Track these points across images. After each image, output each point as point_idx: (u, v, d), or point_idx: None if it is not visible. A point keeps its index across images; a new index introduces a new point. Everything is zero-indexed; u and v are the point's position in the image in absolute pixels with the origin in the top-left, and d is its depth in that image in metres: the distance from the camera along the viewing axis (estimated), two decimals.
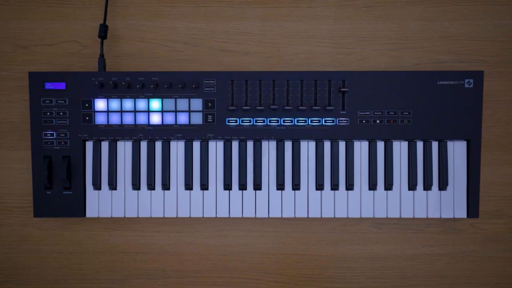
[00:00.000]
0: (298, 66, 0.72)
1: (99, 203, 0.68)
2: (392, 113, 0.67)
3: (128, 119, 0.67)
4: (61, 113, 0.67)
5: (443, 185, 0.68)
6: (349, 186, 0.68)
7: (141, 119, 0.68)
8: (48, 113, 0.67)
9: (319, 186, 0.68)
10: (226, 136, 0.68)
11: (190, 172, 0.68)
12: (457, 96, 0.67)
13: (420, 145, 0.69)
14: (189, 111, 0.67)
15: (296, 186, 0.68)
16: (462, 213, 0.68)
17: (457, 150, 0.68)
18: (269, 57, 0.72)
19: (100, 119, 0.67)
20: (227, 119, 0.67)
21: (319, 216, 0.68)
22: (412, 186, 0.68)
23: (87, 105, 0.67)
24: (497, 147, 0.72)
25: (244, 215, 0.68)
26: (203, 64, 0.72)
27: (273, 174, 0.68)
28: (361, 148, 0.68)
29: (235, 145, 0.69)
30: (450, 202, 0.68)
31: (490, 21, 0.71)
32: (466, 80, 0.67)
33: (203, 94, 0.67)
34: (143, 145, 0.69)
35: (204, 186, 0.68)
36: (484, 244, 0.72)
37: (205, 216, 0.68)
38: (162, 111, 0.67)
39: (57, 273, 0.72)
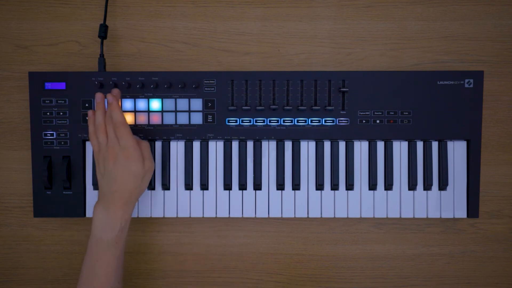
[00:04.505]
0: (298, 66, 0.72)
1: None
2: (392, 113, 0.67)
3: (128, 119, 0.67)
4: (61, 113, 0.67)
5: (443, 185, 0.68)
6: (349, 186, 0.68)
7: (141, 119, 0.68)
8: (48, 113, 0.67)
9: (319, 186, 0.68)
10: (226, 136, 0.68)
11: (190, 172, 0.68)
12: (457, 96, 0.67)
13: (420, 145, 0.69)
14: (189, 111, 0.67)
15: (296, 186, 0.68)
16: (462, 213, 0.68)
17: (457, 150, 0.68)
18: (269, 57, 0.72)
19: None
20: (227, 119, 0.67)
21: (319, 216, 0.68)
22: (412, 186, 0.68)
23: (87, 105, 0.67)
24: (497, 147, 0.72)
25: (244, 215, 0.68)
26: (203, 64, 0.72)
27: (273, 174, 0.68)
28: (361, 148, 0.68)
29: (235, 145, 0.69)
30: (450, 202, 0.68)
31: (490, 21, 0.71)
32: (466, 80, 0.67)
33: (203, 94, 0.67)
34: None
35: (204, 186, 0.68)
36: (484, 244, 0.72)
37: (205, 216, 0.68)
38: (162, 111, 0.67)
39: (57, 273, 0.72)
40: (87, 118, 0.65)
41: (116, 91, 0.64)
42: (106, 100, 0.64)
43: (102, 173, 0.62)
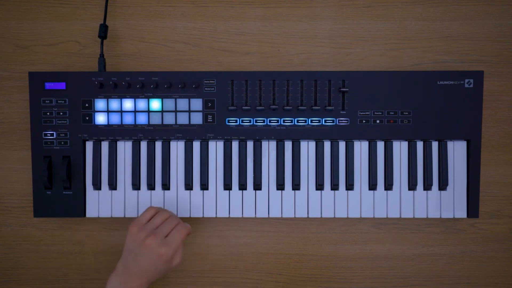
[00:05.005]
0: (298, 66, 0.72)
1: (99, 203, 0.68)
2: (392, 113, 0.67)
3: (128, 119, 0.67)
4: (61, 113, 0.67)
5: (443, 185, 0.68)
6: (349, 186, 0.68)
7: (141, 119, 0.68)
8: (48, 113, 0.67)
9: (319, 186, 0.68)
10: (226, 136, 0.68)
11: (190, 172, 0.68)
12: (457, 96, 0.67)
13: (420, 145, 0.69)
14: (189, 111, 0.67)
15: (296, 186, 0.68)
16: (462, 213, 0.68)
17: (457, 150, 0.68)
18: (269, 57, 0.72)
19: (100, 119, 0.67)
20: (227, 119, 0.67)
21: (319, 216, 0.68)
22: (412, 186, 0.68)
23: (87, 105, 0.67)
24: (497, 147, 0.72)
25: (244, 215, 0.68)
26: (203, 64, 0.72)
27: (273, 174, 0.68)
28: (361, 148, 0.68)
29: (235, 145, 0.69)
30: (450, 202, 0.68)
31: (490, 21, 0.71)
32: (466, 80, 0.67)
33: (203, 94, 0.67)
34: (143, 145, 0.69)
35: (204, 186, 0.68)
36: (484, 244, 0.72)
37: (205, 216, 0.68)
38: (162, 111, 0.67)
39: (57, 273, 0.72)
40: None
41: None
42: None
43: (130, 249, 0.60)
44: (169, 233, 0.61)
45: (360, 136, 0.68)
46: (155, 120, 0.68)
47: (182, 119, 0.68)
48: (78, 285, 0.72)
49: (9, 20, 0.71)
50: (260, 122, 0.67)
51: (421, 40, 0.71)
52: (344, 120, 0.67)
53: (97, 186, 0.68)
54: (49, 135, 0.67)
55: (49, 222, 0.72)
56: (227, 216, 0.68)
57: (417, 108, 0.67)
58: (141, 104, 0.67)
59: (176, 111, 0.67)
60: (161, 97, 0.67)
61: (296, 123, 0.67)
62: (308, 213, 0.68)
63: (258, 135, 0.68)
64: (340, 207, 0.68)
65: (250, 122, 0.67)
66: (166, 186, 0.68)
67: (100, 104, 0.67)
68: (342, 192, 0.68)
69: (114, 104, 0.67)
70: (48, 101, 0.67)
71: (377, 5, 0.71)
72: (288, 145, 0.69)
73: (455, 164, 0.68)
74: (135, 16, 0.72)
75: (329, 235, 0.72)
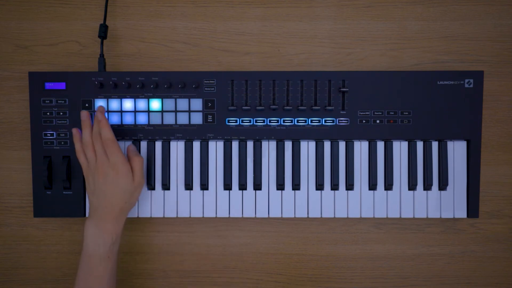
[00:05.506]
0: (298, 66, 0.72)
1: None
2: (392, 113, 0.67)
3: (128, 119, 0.67)
4: (61, 113, 0.67)
5: (443, 185, 0.68)
6: (349, 186, 0.68)
7: (141, 119, 0.68)
8: (48, 113, 0.67)
9: (319, 186, 0.68)
10: (226, 136, 0.68)
11: (190, 172, 0.68)
12: (457, 96, 0.67)
13: (420, 145, 0.69)
14: (189, 111, 0.67)
15: (296, 186, 0.68)
16: (462, 213, 0.68)
17: (457, 150, 0.68)
18: (269, 57, 0.72)
19: None
20: (227, 119, 0.67)
21: (319, 216, 0.68)
22: (412, 186, 0.68)
23: (87, 105, 0.67)
24: (497, 147, 0.72)
25: (244, 215, 0.68)
26: (203, 64, 0.72)
27: (273, 174, 0.68)
28: (361, 148, 0.68)
29: (235, 145, 0.69)
30: (450, 202, 0.68)
31: (490, 21, 0.71)
32: (466, 80, 0.67)
33: (203, 94, 0.67)
34: (143, 145, 0.69)
35: (204, 186, 0.68)
36: (484, 244, 0.72)
37: (205, 216, 0.68)
38: (162, 111, 0.67)
39: (57, 273, 0.72)
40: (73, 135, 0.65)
41: (101, 108, 0.65)
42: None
43: (92, 190, 0.62)
44: (108, 154, 0.62)
45: (360, 136, 0.68)
46: (155, 120, 0.68)
47: (182, 119, 0.68)
48: None
49: (9, 20, 0.71)
50: (260, 122, 0.67)
51: (421, 40, 0.71)
52: (344, 120, 0.67)
53: None
54: (49, 135, 0.67)
55: (49, 222, 0.72)
56: (227, 216, 0.68)
57: (417, 108, 0.67)
58: (141, 104, 0.67)
59: (176, 111, 0.67)
60: (161, 97, 0.67)
61: (296, 123, 0.67)
62: (308, 213, 0.68)
63: (258, 135, 0.68)
64: (340, 207, 0.68)
65: (250, 122, 0.67)
66: (166, 186, 0.68)
67: (100, 104, 0.67)
68: (342, 192, 0.68)
69: (114, 104, 0.67)
70: (48, 101, 0.67)
71: (377, 5, 0.71)
72: (288, 145, 0.69)
73: (455, 164, 0.68)
74: (135, 16, 0.72)
75: (329, 235, 0.72)
